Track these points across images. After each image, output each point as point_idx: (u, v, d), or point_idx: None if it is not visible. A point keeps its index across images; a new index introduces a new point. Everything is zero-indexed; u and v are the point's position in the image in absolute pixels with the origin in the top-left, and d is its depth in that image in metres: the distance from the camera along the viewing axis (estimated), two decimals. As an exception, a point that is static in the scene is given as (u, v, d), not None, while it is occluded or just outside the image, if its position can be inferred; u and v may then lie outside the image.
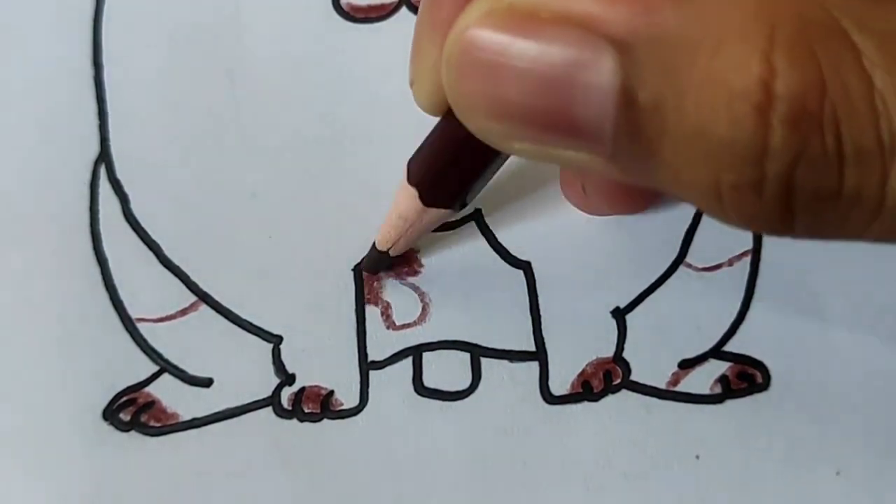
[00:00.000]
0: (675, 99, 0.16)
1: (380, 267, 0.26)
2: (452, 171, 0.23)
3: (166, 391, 0.26)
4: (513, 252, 0.27)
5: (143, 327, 0.26)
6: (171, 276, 0.27)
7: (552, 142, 0.18)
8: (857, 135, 0.15)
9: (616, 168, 0.17)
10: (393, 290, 0.26)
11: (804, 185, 0.15)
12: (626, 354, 0.26)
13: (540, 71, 0.17)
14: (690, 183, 0.16)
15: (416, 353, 0.26)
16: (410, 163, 0.23)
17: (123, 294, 0.26)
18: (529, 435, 0.25)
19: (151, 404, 0.26)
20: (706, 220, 0.27)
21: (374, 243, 0.25)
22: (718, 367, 0.26)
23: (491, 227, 0.27)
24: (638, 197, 0.26)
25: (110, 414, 0.25)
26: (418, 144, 0.25)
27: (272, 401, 0.25)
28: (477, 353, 0.26)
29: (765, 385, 0.25)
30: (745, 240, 0.27)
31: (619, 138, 0.17)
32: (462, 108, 0.18)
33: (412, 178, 0.23)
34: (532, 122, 0.17)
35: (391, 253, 0.25)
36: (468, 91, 0.18)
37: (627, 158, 0.17)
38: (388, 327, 0.26)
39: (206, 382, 0.26)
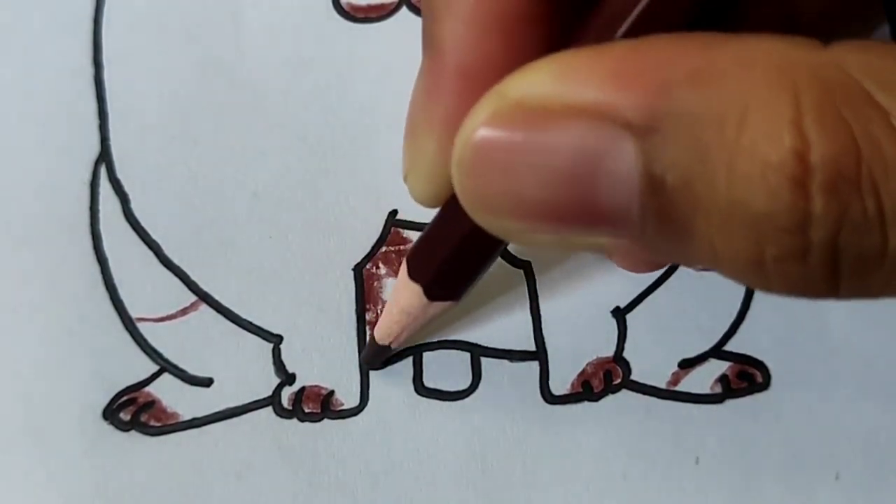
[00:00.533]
0: (706, 174, 0.15)
1: (379, 361, 0.25)
2: (458, 266, 0.22)
3: (166, 391, 0.26)
4: (513, 252, 0.27)
5: (143, 327, 0.26)
6: (171, 276, 0.27)
7: (577, 233, 0.17)
8: None
9: (644, 247, 0.17)
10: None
11: (848, 249, 0.15)
12: (626, 354, 0.26)
13: (558, 164, 0.16)
14: (730, 257, 0.16)
15: (416, 353, 0.26)
16: (410, 259, 0.23)
17: (123, 294, 0.26)
18: (529, 435, 0.25)
19: (151, 404, 0.26)
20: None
21: (371, 337, 0.25)
22: (718, 367, 0.26)
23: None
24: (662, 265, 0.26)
25: (110, 414, 0.25)
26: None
27: (272, 400, 0.25)
28: (477, 352, 0.26)
29: (765, 385, 0.25)
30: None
31: (647, 220, 0.16)
32: (479, 211, 0.18)
33: (415, 275, 0.22)
34: (553, 216, 0.17)
35: (392, 346, 0.25)
36: (485, 193, 0.17)
37: (657, 238, 0.17)
38: (388, 327, 0.26)
39: (207, 382, 0.26)
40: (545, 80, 0.16)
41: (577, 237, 0.17)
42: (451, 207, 0.21)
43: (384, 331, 0.24)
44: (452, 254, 0.21)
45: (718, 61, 0.15)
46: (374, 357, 0.25)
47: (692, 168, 0.15)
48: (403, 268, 0.23)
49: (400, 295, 0.23)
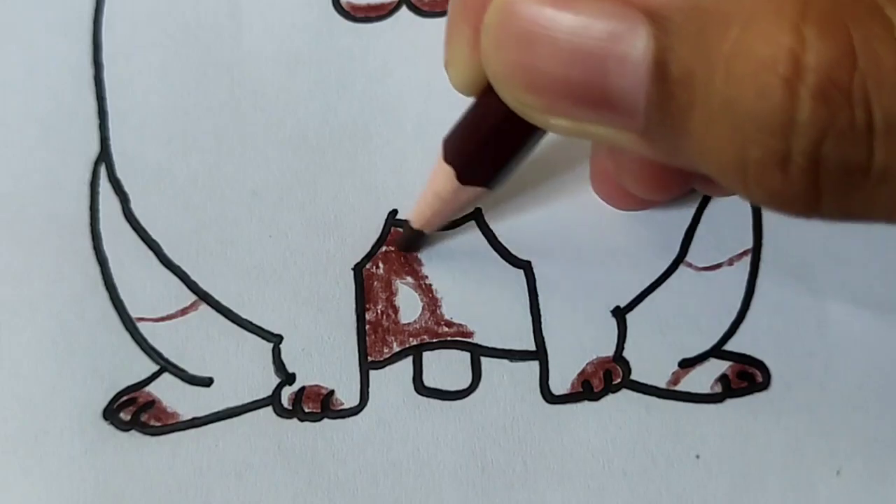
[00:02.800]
0: (705, 71, 0.15)
1: (414, 246, 0.26)
2: (489, 149, 0.22)
3: (166, 391, 0.26)
4: (513, 252, 0.27)
5: (143, 327, 0.26)
6: (171, 276, 0.27)
7: (587, 116, 0.17)
8: (888, 107, 0.15)
9: (649, 145, 0.17)
10: (393, 290, 0.26)
11: (831, 160, 0.15)
12: (626, 354, 0.26)
13: (576, 43, 0.17)
14: (717, 158, 0.16)
15: (416, 352, 0.26)
16: (446, 141, 0.23)
17: (123, 294, 0.26)
18: (529, 435, 0.25)
19: (151, 404, 0.26)
20: (706, 220, 0.27)
21: (407, 222, 0.25)
22: (719, 367, 0.26)
23: (491, 227, 0.27)
24: (671, 182, 0.25)
25: (110, 413, 0.25)
26: (418, 143, 0.25)
27: (272, 400, 0.25)
28: (477, 352, 0.26)
29: (765, 384, 0.25)
30: (745, 239, 0.27)
31: (652, 112, 0.16)
32: (499, 79, 0.18)
33: (448, 156, 0.23)
34: (567, 95, 0.17)
35: (425, 231, 0.25)
36: (506, 61, 0.18)
37: (659, 134, 0.17)
38: (388, 327, 0.26)
39: (207, 382, 0.26)
40: None
41: (589, 124, 0.18)
42: (486, 93, 0.21)
43: (417, 214, 0.25)
44: (483, 136, 0.22)
45: None
46: (408, 242, 0.26)
47: (694, 62, 0.16)
48: (439, 151, 0.23)
49: (434, 178, 0.24)
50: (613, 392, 0.25)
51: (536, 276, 0.26)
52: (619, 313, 0.26)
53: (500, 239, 0.27)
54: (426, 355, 0.26)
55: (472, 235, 0.27)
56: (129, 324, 0.26)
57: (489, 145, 0.22)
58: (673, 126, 0.16)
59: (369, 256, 0.27)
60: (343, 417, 0.25)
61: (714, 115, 0.16)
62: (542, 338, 0.26)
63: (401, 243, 0.26)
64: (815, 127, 0.15)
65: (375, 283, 0.26)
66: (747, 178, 0.16)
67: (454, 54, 0.22)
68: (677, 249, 0.27)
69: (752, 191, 0.16)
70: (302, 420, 0.25)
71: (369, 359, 0.26)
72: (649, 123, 0.17)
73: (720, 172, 0.16)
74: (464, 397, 0.25)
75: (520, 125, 0.19)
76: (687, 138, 0.16)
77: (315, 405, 0.25)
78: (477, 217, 0.27)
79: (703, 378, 0.25)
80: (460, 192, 0.23)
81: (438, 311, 0.26)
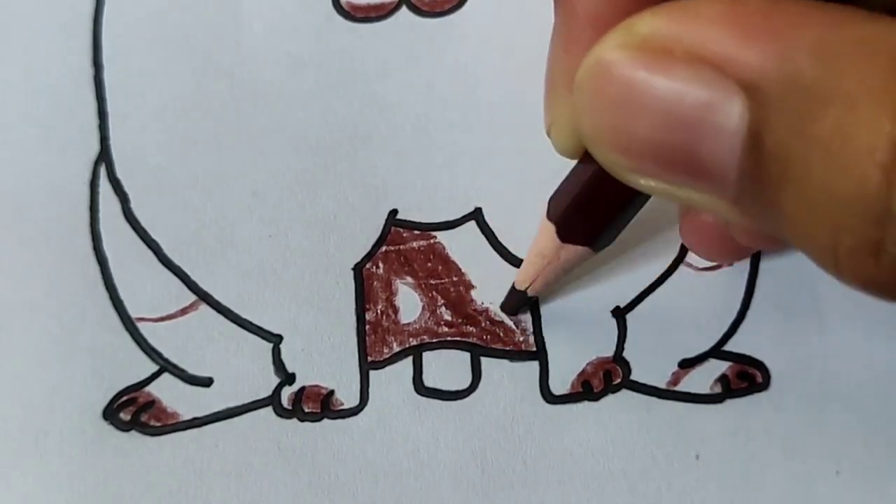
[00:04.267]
0: (801, 149, 0.15)
1: (518, 307, 0.26)
2: (588, 208, 0.22)
3: (166, 391, 0.26)
4: (513, 252, 0.27)
5: (143, 327, 0.26)
6: (170, 276, 0.27)
7: (677, 181, 0.17)
8: None
9: (739, 212, 0.17)
10: (393, 290, 0.26)
11: None
12: (626, 354, 0.26)
13: (669, 108, 0.16)
14: (808, 236, 0.16)
15: (416, 352, 0.26)
16: (551, 200, 0.23)
17: (123, 294, 0.26)
18: (529, 435, 0.25)
19: (151, 404, 0.26)
20: (706, 220, 0.27)
21: (513, 284, 0.25)
22: (718, 367, 0.26)
23: (491, 227, 0.27)
24: (767, 243, 0.25)
25: (110, 414, 0.25)
26: (418, 143, 0.25)
27: (272, 400, 0.25)
28: (477, 352, 0.26)
29: (765, 385, 0.25)
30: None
31: (744, 182, 0.16)
32: (589, 138, 0.18)
33: (551, 215, 0.23)
34: (657, 159, 0.17)
35: (529, 293, 0.25)
36: (596, 122, 0.18)
37: (751, 203, 0.17)
38: (388, 327, 0.26)
39: (207, 382, 0.26)
40: (674, 23, 0.16)
41: (678, 187, 0.17)
42: (589, 154, 0.21)
43: (521, 275, 0.25)
44: (583, 195, 0.22)
45: (844, 38, 0.15)
46: (512, 303, 0.26)
47: (790, 138, 0.15)
48: (543, 210, 0.23)
49: (539, 237, 0.24)
50: (613, 392, 0.25)
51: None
52: (619, 313, 0.26)
53: (499, 239, 0.27)
54: (426, 355, 0.26)
55: (471, 236, 0.27)
56: (129, 324, 0.26)
57: (588, 204, 0.22)
58: (765, 198, 0.16)
59: (369, 256, 0.27)
60: (343, 417, 0.25)
61: (808, 193, 0.15)
62: (542, 338, 0.26)
63: (505, 305, 0.26)
64: None
65: (375, 283, 0.26)
66: (838, 262, 0.16)
67: (556, 117, 0.21)
68: (677, 249, 0.27)
69: (843, 273, 0.16)
70: (302, 420, 0.25)
71: (369, 359, 0.26)
72: (741, 193, 0.17)
73: (811, 251, 0.16)
74: (464, 397, 0.25)
75: (618, 186, 0.19)
76: (779, 211, 0.16)
77: (315, 405, 0.25)
78: (477, 217, 0.27)
79: (703, 378, 0.25)
80: (561, 251, 0.23)
81: (438, 311, 0.26)
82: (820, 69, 0.15)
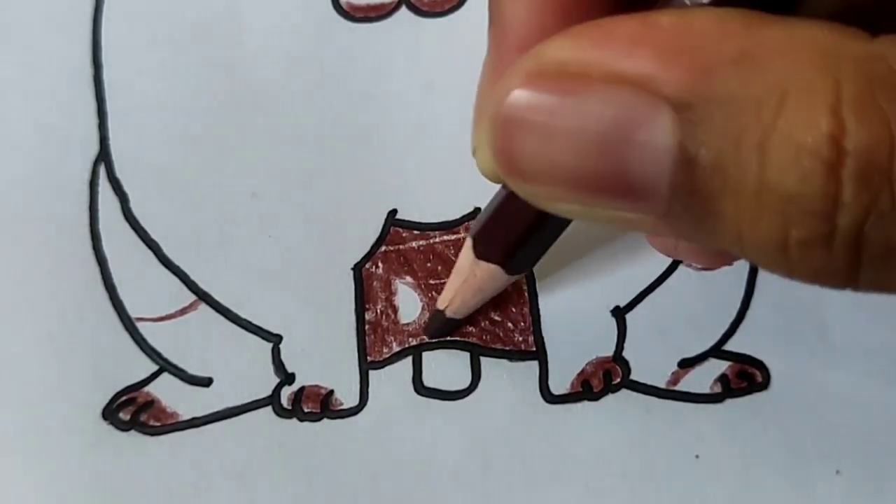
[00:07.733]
0: (736, 156, 0.15)
1: (440, 331, 0.26)
2: (501, 227, 0.22)
3: (166, 391, 0.26)
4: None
5: (142, 327, 0.26)
6: (170, 276, 0.27)
7: (601, 203, 0.17)
8: None
9: (669, 227, 0.17)
10: (393, 290, 0.26)
11: (873, 238, 0.15)
12: (625, 354, 0.26)
13: (591, 131, 0.16)
14: (754, 240, 0.16)
15: (415, 352, 0.26)
16: (475, 222, 0.23)
17: (123, 294, 0.26)
18: (529, 435, 0.25)
19: (151, 404, 0.26)
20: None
21: (434, 308, 0.25)
22: (718, 367, 0.26)
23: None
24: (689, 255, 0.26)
25: (110, 414, 0.25)
26: (418, 143, 0.25)
27: (272, 400, 0.25)
28: (477, 352, 0.26)
29: (765, 384, 0.25)
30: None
31: (676, 197, 0.16)
32: (505, 170, 0.18)
33: (471, 230, 0.23)
34: (582, 184, 0.17)
35: (447, 313, 0.25)
36: (514, 152, 0.17)
37: (684, 217, 0.17)
38: (388, 327, 0.26)
39: (206, 382, 0.26)
40: (587, 45, 0.16)
41: (604, 209, 0.17)
42: None
43: (443, 293, 0.25)
44: (498, 211, 0.22)
45: (763, 44, 0.15)
46: (433, 325, 0.26)
47: (726, 149, 0.15)
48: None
49: (460, 256, 0.24)
50: (613, 392, 0.25)
51: (536, 277, 0.26)
52: (619, 313, 0.26)
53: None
54: (426, 355, 0.26)
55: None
56: (129, 324, 0.26)
57: (503, 223, 0.22)
58: (701, 210, 0.16)
59: (369, 256, 0.27)
60: (343, 417, 0.25)
61: (749, 198, 0.15)
62: (542, 337, 0.26)
63: (427, 328, 0.26)
64: (858, 208, 0.15)
65: (375, 283, 0.26)
66: (789, 258, 0.16)
67: (479, 142, 0.21)
68: (677, 249, 0.27)
69: (794, 269, 0.16)
70: (302, 420, 0.25)
71: (369, 359, 0.26)
72: (672, 208, 0.16)
73: (756, 253, 0.16)
74: (463, 397, 0.25)
75: (532, 210, 0.19)
76: (718, 221, 0.16)
77: (315, 405, 0.25)
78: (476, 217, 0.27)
79: (703, 378, 0.25)
80: (476, 269, 0.23)
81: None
82: (745, 78, 0.15)
